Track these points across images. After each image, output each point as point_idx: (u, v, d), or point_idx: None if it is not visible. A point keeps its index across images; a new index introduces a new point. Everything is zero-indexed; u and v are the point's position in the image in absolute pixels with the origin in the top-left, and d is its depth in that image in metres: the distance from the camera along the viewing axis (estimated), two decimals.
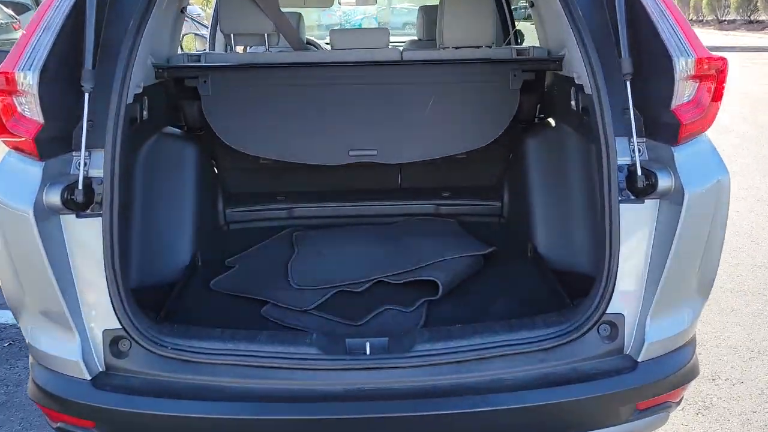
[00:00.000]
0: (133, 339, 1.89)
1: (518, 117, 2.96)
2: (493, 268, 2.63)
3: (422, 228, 3.06)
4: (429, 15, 4.03)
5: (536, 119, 3.11)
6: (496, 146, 3.05)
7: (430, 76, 2.85)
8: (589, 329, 1.93)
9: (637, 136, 1.88)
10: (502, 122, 2.91)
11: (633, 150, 1.91)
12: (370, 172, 3.28)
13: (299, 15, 4.11)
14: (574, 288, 2.38)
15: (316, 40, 5.34)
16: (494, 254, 2.72)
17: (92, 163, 1.89)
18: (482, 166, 3.31)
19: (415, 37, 4.64)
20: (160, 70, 2.65)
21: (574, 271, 2.54)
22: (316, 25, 7.73)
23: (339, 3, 5.50)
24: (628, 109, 1.92)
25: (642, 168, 1.87)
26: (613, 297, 1.93)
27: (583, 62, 2.00)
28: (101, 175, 1.86)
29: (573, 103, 2.58)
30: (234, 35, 3.00)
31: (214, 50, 4.42)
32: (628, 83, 1.87)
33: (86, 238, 1.87)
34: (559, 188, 2.70)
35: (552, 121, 2.87)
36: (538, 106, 3.08)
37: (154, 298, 2.32)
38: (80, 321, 1.89)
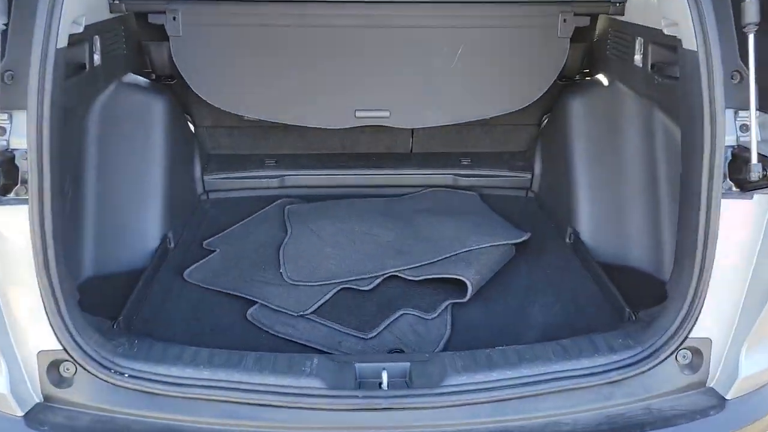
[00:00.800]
0: (78, 363, 1.44)
1: (562, 72, 2.44)
2: (525, 256, 2.19)
3: (439, 203, 2.59)
4: None
5: (581, 75, 2.59)
6: (528, 105, 2.54)
7: (458, 18, 2.30)
8: (668, 357, 1.51)
9: (758, 110, 1.40)
10: (546, 79, 2.39)
11: (743, 127, 1.44)
12: (377, 134, 2.77)
13: None
14: (627, 288, 1.95)
15: None
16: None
17: (13, 130, 1.38)
18: (509, 129, 2.81)
19: None
20: (116, 1, 2.09)
21: (627, 267, 2.11)
22: None
23: None
24: (739, 72, 1.43)
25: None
26: (700, 316, 1.51)
27: (675, 5, 1.49)
28: (25, 146, 1.36)
29: (639, 57, 2.07)
30: None
31: None
32: (751, 37, 1.37)
33: (8, 231, 1.39)
34: (611, 163, 2.23)
35: (604, 79, 2.36)
36: (584, 59, 2.56)
37: (111, 297, 1.86)
38: (6, 341, 1.43)
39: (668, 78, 1.85)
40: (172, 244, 2.22)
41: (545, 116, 2.73)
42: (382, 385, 1.46)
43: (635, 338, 1.56)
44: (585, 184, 2.27)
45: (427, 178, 2.73)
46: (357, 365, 1.49)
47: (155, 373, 1.44)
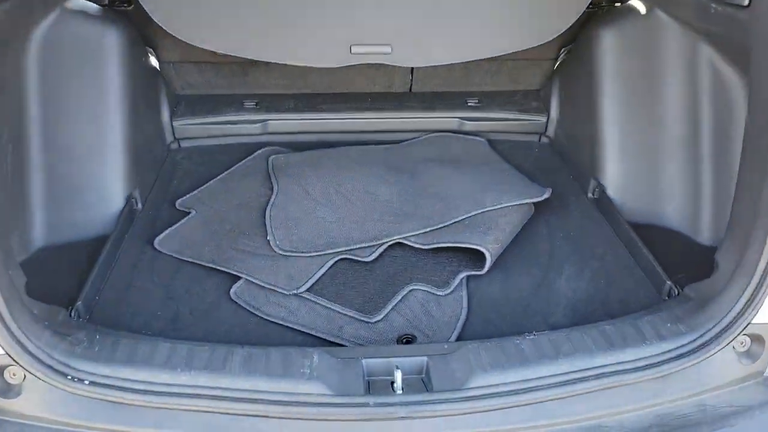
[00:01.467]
0: (25, 368, 1.18)
1: None
2: (543, 215, 1.93)
3: (444, 151, 2.29)
4: None
5: (610, 0, 2.23)
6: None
7: None
8: (726, 345, 1.30)
9: None
10: (575, 7, 2.04)
11: None
12: (373, 72, 2.42)
13: None
14: (661, 252, 1.72)
15: None
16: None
17: None
18: (521, 65, 2.47)
19: None
20: None
21: (659, 227, 1.87)
22: None
23: None
24: None
25: None
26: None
27: None
28: None
29: None
30: None
31: None
32: None
33: None
34: (645, 106, 1.94)
35: (639, 5, 2.02)
36: None
37: (67, 273, 1.58)
38: None
39: (731, 5, 1.53)
40: (139, 205, 1.91)
41: (563, 49, 2.39)
42: (395, 385, 1.23)
43: (687, 322, 1.34)
44: (613, 129, 1.99)
45: (428, 122, 2.41)
46: (364, 361, 1.26)
47: (122, 378, 1.19)
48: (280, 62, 2.09)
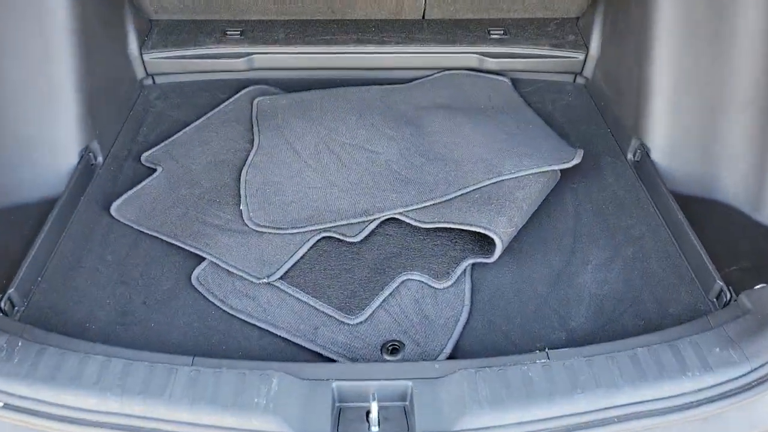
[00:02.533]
0: None
1: None
2: (571, 180, 1.62)
3: (458, 95, 1.94)
4: None
5: None
6: None
7: None
8: None
9: None
10: None
11: None
12: None
13: None
14: (713, 235, 1.42)
15: None
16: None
17: None
18: None
19: None
20: None
21: (712, 201, 1.55)
22: None
23: None
24: None
25: None
26: None
27: None
28: None
29: None
30: None
31: None
32: None
33: None
34: (709, 53, 1.55)
35: None
36: None
37: (3, 251, 1.36)
38: None
39: None
40: (99, 159, 1.66)
41: None
42: (370, 417, 1.01)
43: (741, 347, 1.07)
44: (667, 76, 1.61)
45: (443, 59, 2.04)
46: (335, 384, 1.03)
47: (42, 401, 0.99)
48: None
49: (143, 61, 1.96)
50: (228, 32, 2.04)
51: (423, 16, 2.13)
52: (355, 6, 2.08)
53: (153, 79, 2.02)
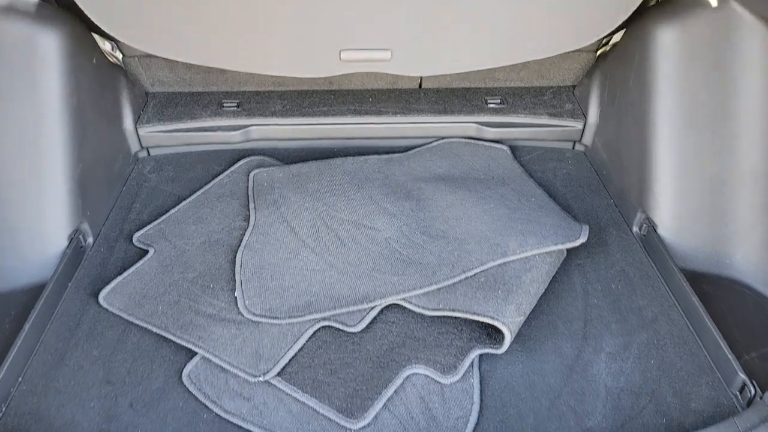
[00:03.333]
0: None
1: None
2: (577, 256, 1.57)
3: (457, 164, 1.92)
4: None
5: None
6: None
7: None
8: None
9: None
10: (628, 2, 1.60)
11: None
12: None
13: None
14: (728, 318, 1.37)
15: None
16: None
17: None
18: (553, 56, 2.05)
19: None
20: None
21: (725, 279, 1.50)
22: None
23: None
24: None
25: None
26: None
27: None
28: None
29: None
30: None
31: None
32: None
33: None
34: (713, 125, 1.54)
35: None
36: None
37: None
38: None
39: None
40: (89, 240, 1.60)
41: (606, 38, 1.96)
42: None
43: None
44: (670, 152, 1.59)
45: (441, 128, 2.02)
46: None
47: None
48: (252, 72, 1.71)
49: (138, 136, 1.93)
50: (225, 104, 2.02)
51: (420, 86, 2.12)
52: (353, 77, 2.07)
53: (148, 151, 1.99)
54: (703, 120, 1.54)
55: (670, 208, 1.59)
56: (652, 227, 1.60)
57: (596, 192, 1.84)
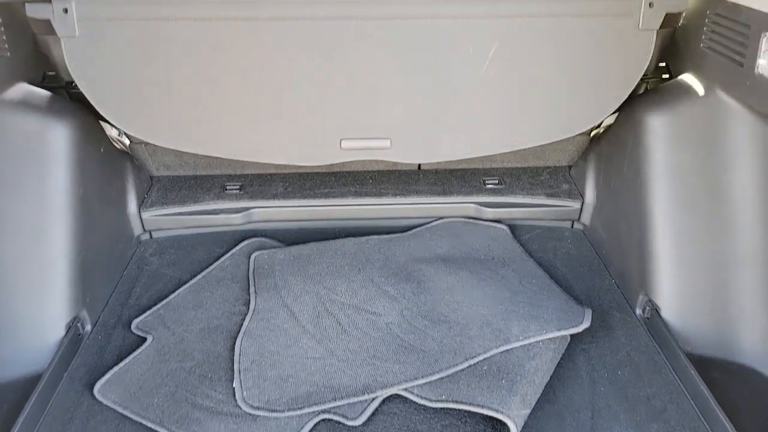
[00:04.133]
0: None
1: None
2: (581, 340, 1.55)
3: (457, 244, 1.93)
4: None
5: (656, 71, 1.86)
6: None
7: (488, 4, 1.56)
8: None
9: None
10: (617, 93, 1.67)
11: None
12: None
13: None
14: (738, 410, 1.33)
15: None
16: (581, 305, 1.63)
17: None
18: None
19: None
20: None
21: (731, 364, 1.47)
22: None
23: None
24: None
25: None
26: None
27: None
28: None
29: (765, 63, 1.37)
30: None
31: None
32: None
33: None
34: (710, 210, 1.56)
35: (695, 84, 1.65)
36: (663, 49, 1.82)
37: None
38: None
39: None
40: (87, 327, 1.58)
41: (602, 124, 2.03)
42: None
43: None
44: (668, 237, 1.60)
45: (441, 209, 2.05)
46: None
47: None
48: (255, 161, 1.76)
49: (141, 219, 1.96)
50: (227, 187, 2.07)
51: (419, 167, 2.17)
52: (351, 162, 2.13)
53: (150, 234, 2.01)
54: (698, 203, 1.57)
55: (672, 291, 1.58)
56: (656, 310, 1.59)
57: (597, 272, 1.84)
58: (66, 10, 1.49)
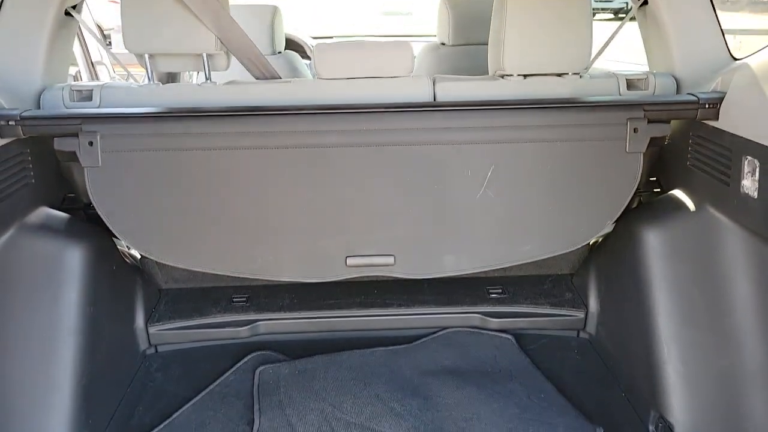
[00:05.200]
0: None
1: None
2: None
3: (464, 357, 1.92)
4: (461, 10, 2.84)
5: (647, 185, 1.95)
6: None
7: (485, 131, 1.67)
8: None
9: None
10: (609, 212, 1.75)
11: None
12: None
13: (274, 10, 2.91)
14: None
15: (300, 37, 4.11)
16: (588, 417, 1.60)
17: None
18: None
19: (432, 36, 3.43)
20: (10, 124, 1.50)
21: None
22: None
23: None
24: None
25: None
26: None
27: None
28: None
29: (749, 185, 1.45)
30: (150, 57, 1.79)
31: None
32: None
33: None
34: (713, 321, 1.57)
35: (686, 200, 1.72)
36: (652, 165, 1.92)
37: None
38: None
39: None
40: None
41: (600, 238, 2.08)
42: None
43: None
44: (675, 349, 1.60)
45: (446, 319, 2.06)
46: None
47: None
48: (263, 278, 1.81)
49: (148, 334, 1.97)
50: (234, 299, 2.10)
51: (422, 281, 2.21)
52: (356, 276, 2.17)
53: (156, 348, 2.02)
54: (701, 317, 1.58)
55: (684, 408, 1.56)
56: (669, 427, 1.55)
57: (605, 385, 1.82)
58: (91, 143, 1.61)
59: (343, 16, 7.68)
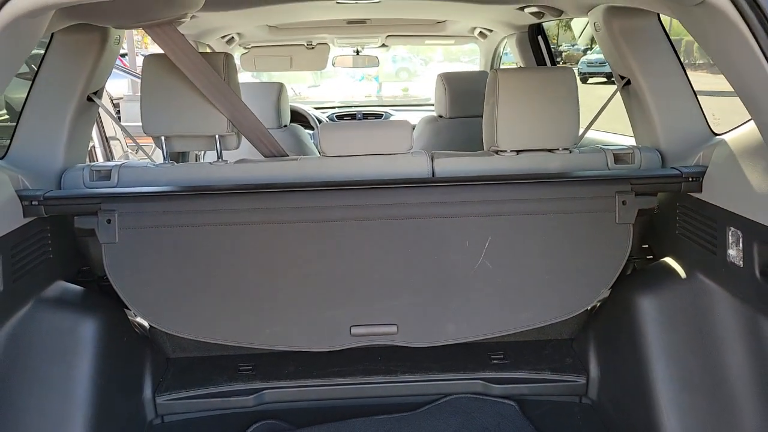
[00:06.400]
0: None
1: None
2: None
3: (467, 424, 1.93)
4: (456, 86, 3.01)
5: (639, 252, 2.02)
6: None
7: (482, 205, 1.77)
8: None
9: None
10: (602, 280, 1.82)
11: None
12: None
13: (280, 87, 3.08)
14: None
15: (306, 108, 4.30)
16: None
17: None
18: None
19: (430, 110, 3.61)
20: (33, 204, 1.59)
21: None
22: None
23: (333, 65, 4.52)
24: None
25: None
26: None
27: None
28: None
29: (735, 254, 1.52)
30: (166, 139, 1.92)
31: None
32: None
33: None
34: (713, 387, 1.60)
35: (677, 267, 1.79)
36: (643, 233, 2.00)
37: None
38: None
39: None
40: None
41: (596, 304, 2.13)
42: None
43: None
44: (676, 417, 1.62)
45: (449, 385, 2.08)
46: None
47: None
48: (269, 348, 1.86)
49: (155, 404, 2.00)
50: (240, 367, 2.13)
51: (422, 349, 2.24)
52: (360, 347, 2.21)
53: (162, 418, 2.03)
54: (698, 383, 1.61)
55: None
56: None
57: None
58: (109, 221, 1.70)
59: (336, 88, 8.11)
